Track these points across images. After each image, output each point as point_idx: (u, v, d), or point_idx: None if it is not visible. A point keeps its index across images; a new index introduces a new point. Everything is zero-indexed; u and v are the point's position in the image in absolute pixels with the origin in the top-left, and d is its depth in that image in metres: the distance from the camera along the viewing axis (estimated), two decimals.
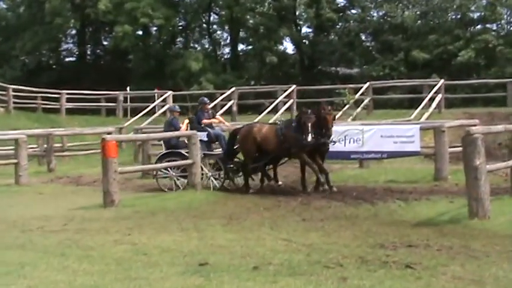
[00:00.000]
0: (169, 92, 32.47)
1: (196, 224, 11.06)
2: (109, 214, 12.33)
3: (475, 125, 14.86)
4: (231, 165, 16.16)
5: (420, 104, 25.93)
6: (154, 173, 16.62)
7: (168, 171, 15.98)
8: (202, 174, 15.74)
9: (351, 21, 43.83)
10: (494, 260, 7.81)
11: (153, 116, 30.42)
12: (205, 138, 16.11)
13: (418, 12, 41.19)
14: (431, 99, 26.40)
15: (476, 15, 39.98)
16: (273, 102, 29.44)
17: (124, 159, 20.18)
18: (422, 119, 22.76)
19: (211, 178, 15.99)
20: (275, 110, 28.61)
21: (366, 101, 27.86)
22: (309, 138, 14.48)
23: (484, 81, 33.32)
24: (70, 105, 33.45)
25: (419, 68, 38.08)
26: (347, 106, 26.39)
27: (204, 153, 15.90)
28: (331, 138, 15.11)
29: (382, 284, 6.69)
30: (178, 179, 15.96)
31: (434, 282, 6.80)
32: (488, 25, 39.54)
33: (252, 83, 43.52)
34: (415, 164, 18.77)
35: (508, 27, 40.32)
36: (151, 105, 31.90)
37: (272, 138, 15.34)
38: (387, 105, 31.96)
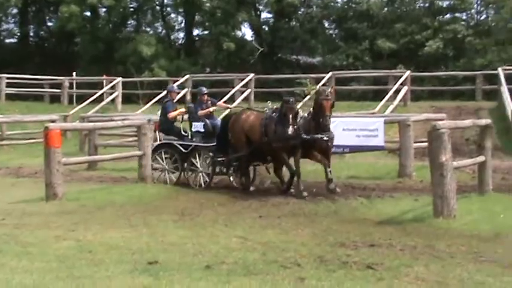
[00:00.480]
0: (119, 79, 32.14)
1: (146, 219, 11.03)
2: (51, 208, 12.21)
3: (441, 119, 15.06)
4: (221, 159, 15.33)
5: (385, 96, 26.05)
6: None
7: (162, 163, 15.75)
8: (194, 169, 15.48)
9: (314, 7, 43.83)
10: (459, 260, 7.93)
11: (100, 104, 30.13)
12: (202, 130, 15.54)
13: None
14: (397, 91, 26.56)
15: (445, 3, 40.34)
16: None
17: (69, 149, 19.98)
18: (387, 112, 22.89)
19: (202, 173, 15.31)
20: (232, 100, 28.54)
21: (327, 92, 27.91)
22: (290, 130, 13.85)
23: (452, 73, 33.70)
24: (10, 90, 32.86)
25: (384, 58, 38.24)
26: (308, 97, 26.40)
27: (195, 145, 15.47)
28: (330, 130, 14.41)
29: (341, 285, 6.75)
30: (169, 173, 15.73)
31: (397, 283, 6.88)
32: (457, 14, 39.90)
33: (208, 70, 43.32)
34: (379, 159, 18.89)
35: (478, 17, 40.81)
36: (99, 92, 31.57)
37: (257, 127, 14.60)
38: (350, 97, 32.12)
